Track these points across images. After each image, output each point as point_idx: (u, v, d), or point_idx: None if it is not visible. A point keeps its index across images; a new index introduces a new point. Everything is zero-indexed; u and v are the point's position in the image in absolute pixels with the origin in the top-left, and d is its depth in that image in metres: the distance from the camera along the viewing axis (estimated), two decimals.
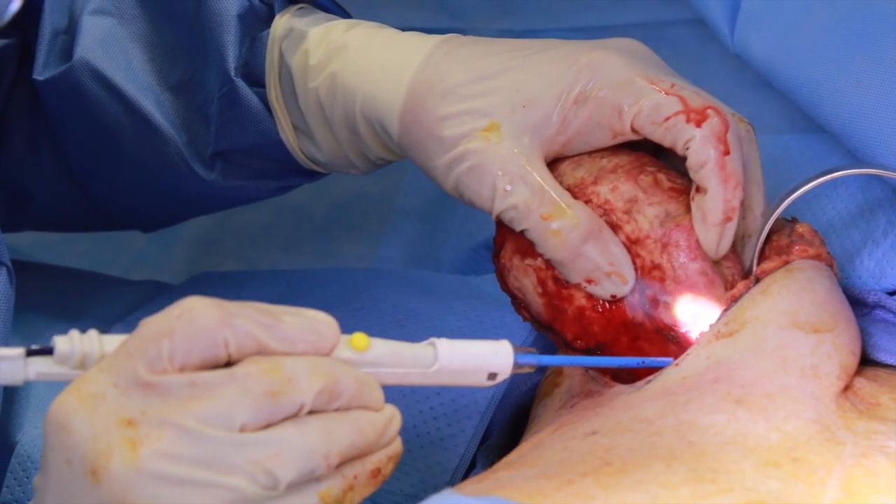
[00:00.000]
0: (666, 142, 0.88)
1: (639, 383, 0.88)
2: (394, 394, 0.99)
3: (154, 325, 0.71)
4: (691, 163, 0.87)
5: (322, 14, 1.03)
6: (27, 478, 1.00)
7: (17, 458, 1.01)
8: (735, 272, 0.89)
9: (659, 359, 0.87)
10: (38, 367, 0.73)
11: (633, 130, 0.89)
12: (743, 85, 1.18)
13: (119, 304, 1.19)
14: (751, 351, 0.84)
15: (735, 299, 0.87)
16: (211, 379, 0.70)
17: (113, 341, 0.73)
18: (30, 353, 0.72)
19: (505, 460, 0.86)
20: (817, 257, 0.90)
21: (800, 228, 0.91)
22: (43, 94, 1.08)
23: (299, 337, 0.73)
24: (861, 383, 0.86)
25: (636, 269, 0.89)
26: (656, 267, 0.88)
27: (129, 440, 0.69)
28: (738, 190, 0.87)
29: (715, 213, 0.86)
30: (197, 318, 0.71)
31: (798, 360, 0.84)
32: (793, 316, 0.85)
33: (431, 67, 0.93)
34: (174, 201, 1.16)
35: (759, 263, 0.89)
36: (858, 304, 0.94)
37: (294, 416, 0.71)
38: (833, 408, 0.82)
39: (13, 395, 1.07)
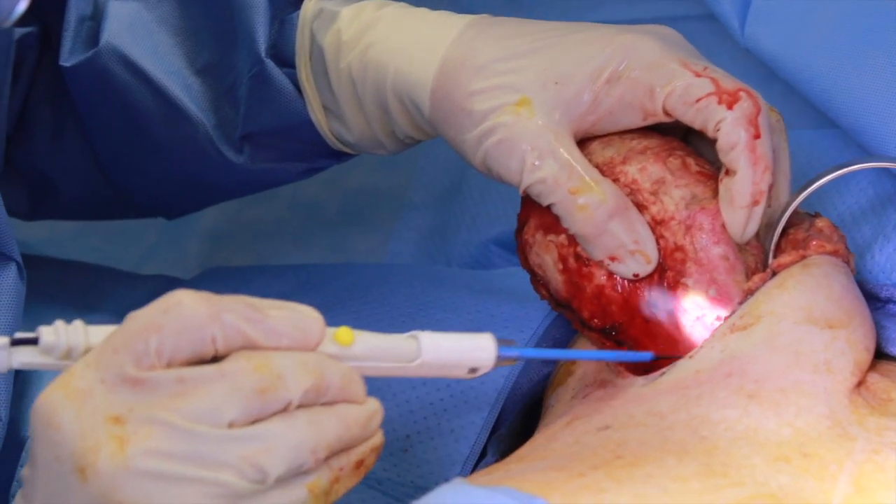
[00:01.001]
0: (697, 123, 0.88)
1: (652, 375, 0.88)
2: (403, 385, 1.00)
3: (141, 319, 0.71)
4: (721, 144, 0.87)
5: None
6: None
7: (27, 452, 1.01)
8: (759, 261, 0.89)
9: (639, 353, 0.88)
10: (23, 357, 0.72)
11: (665, 112, 0.89)
12: (754, 80, 1.17)
13: (130, 298, 1.19)
14: (765, 345, 0.84)
15: (751, 292, 0.87)
16: (199, 375, 0.70)
17: (99, 333, 0.73)
18: (14, 343, 0.72)
19: (517, 453, 0.86)
20: (834, 253, 0.89)
21: (819, 223, 0.91)
22: (70, 81, 1.08)
23: (286, 331, 0.73)
24: (874, 378, 0.86)
25: (659, 250, 0.89)
26: (679, 248, 0.88)
27: (116, 437, 0.69)
28: (767, 174, 0.87)
29: (743, 196, 0.86)
30: (185, 313, 0.71)
31: (812, 356, 0.84)
32: (808, 311, 0.85)
33: (464, 44, 0.94)
34: (200, 186, 1.16)
35: (775, 256, 0.89)
36: (871, 299, 0.94)
37: (282, 411, 0.72)
38: (845, 403, 0.82)
39: (24, 392, 1.07)
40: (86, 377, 0.70)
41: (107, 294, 1.21)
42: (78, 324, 0.73)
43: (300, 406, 0.72)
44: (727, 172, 0.87)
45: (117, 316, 1.13)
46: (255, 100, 1.04)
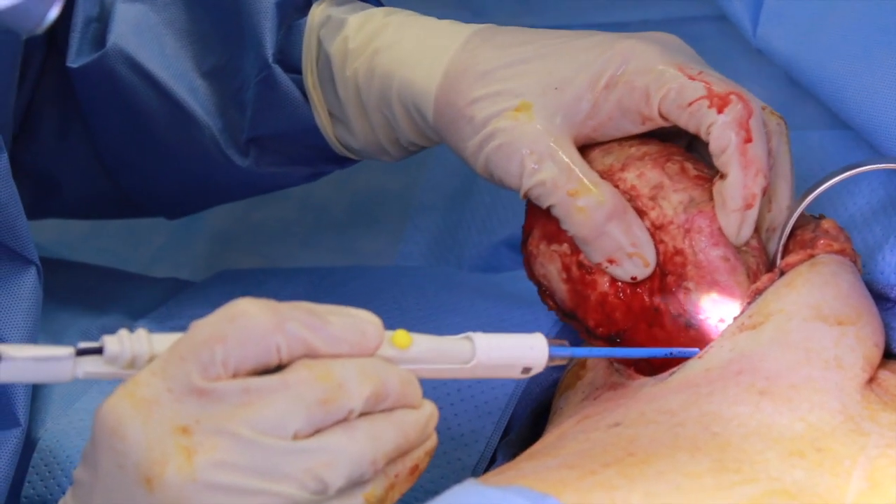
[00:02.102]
0: (690, 127, 0.88)
1: (662, 375, 0.88)
2: None
3: (207, 328, 0.71)
4: (713, 148, 0.87)
5: (358, 3, 1.04)
6: (49, 473, 1.00)
7: (39, 453, 1.02)
8: (760, 262, 0.89)
9: (686, 349, 0.87)
10: (87, 367, 0.72)
11: (661, 116, 0.89)
12: (766, 81, 1.18)
13: (141, 300, 1.19)
14: (775, 343, 0.84)
15: (759, 292, 0.87)
16: (264, 385, 0.70)
17: (163, 341, 0.73)
18: (79, 353, 0.72)
19: (528, 451, 0.86)
20: (841, 252, 0.90)
21: (825, 224, 0.91)
22: (76, 82, 1.08)
23: (346, 338, 0.73)
24: (885, 376, 0.86)
25: (659, 255, 0.89)
26: (679, 252, 0.88)
27: (183, 449, 0.69)
28: (759, 177, 0.87)
29: (734, 199, 0.86)
30: (250, 323, 0.71)
31: (822, 352, 0.84)
32: (817, 309, 0.85)
33: (469, 52, 0.94)
34: (205, 188, 1.16)
35: (783, 257, 0.89)
36: (881, 300, 0.94)
37: (343, 420, 0.72)
38: (858, 399, 0.82)
39: (36, 391, 1.07)
40: (152, 386, 0.70)
41: (117, 296, 1.21)
42: (141, 332, 0.73)
43: (361, 414, 0.72)
44: (720, 176, 0.88)
45: (129, 317, 1.14)
46: (262, 104, 1.04)
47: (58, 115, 1.14)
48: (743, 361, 0.84)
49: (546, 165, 0.89)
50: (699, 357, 0.86)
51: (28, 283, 0.97)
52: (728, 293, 0.88)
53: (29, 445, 1.02)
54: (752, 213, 0.87)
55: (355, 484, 0.72)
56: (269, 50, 1.03)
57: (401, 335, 0.77)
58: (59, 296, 1.15)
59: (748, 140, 0.87)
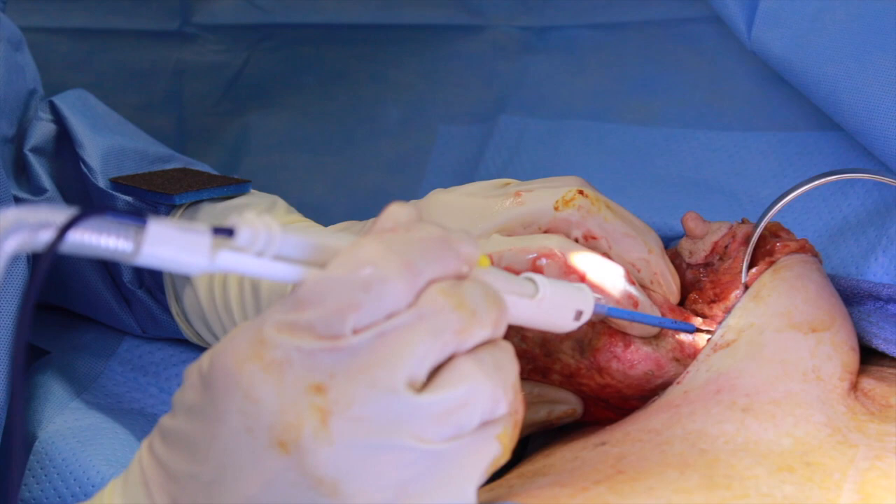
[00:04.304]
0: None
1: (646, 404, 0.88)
2: None
3: (339, 292, 0.66)
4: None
5: (206, 214, 1.06)
6: (45, 476, 1.00)
7: (35, 455, 1.01)
8: (700, 304, 0.89)
9: (686, 323, 0.88)
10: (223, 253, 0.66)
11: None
12: (760, 82, 1.18)
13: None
14: (750, 358, 0.84)
15: (728, 311, 0.87)
16: (399, 324, 0.66)
17: (293, 243, 0.67)
18: (215, 232, 0.66)
19: (517, 470, 0.86)
20: (801, 250, 0.89)
21: (772, 227, 0.91)
22: None
23: (470, 255, 0.69)
24: (871, 384, 0.86)
25: (587, 392, 0.90)
26: (607, 385, 0.89)
27: (318, 410, 0.66)
28: (619, 281, 0.86)
29: (621, 307, 0.86)
30: (386, 292, 0.66)
31: (799, 364, 0.84)
32: (788, 317, 0.85)
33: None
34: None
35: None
36: (871, 298, 0.94)
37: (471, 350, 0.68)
38: (842, 410, 0.82)
39: (33, 394, 1.07)
40: (281, 346, 0.66)
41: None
42: (270, 222, 0.67)
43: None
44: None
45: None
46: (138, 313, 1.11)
47: None
48: (720, 380, 0.84)
49: None
50: (678, 383, 0.86)
51: (18, 270, 0.97)
52: (674, 378, 0.88)
53: (26, 448, 1.02)
54: (644, 306, 0.87)
55: (487, 423, 0.68)
56: (126, 276, 1.07)
57: (483, 258, 0.73)
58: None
59: (582, 278, 0.86)
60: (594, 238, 0.88)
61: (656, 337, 0.88)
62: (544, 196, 0.89)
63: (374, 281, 0.66)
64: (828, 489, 0.76)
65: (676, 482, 0.76)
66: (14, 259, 0.74)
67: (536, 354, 0.90)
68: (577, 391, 0.90)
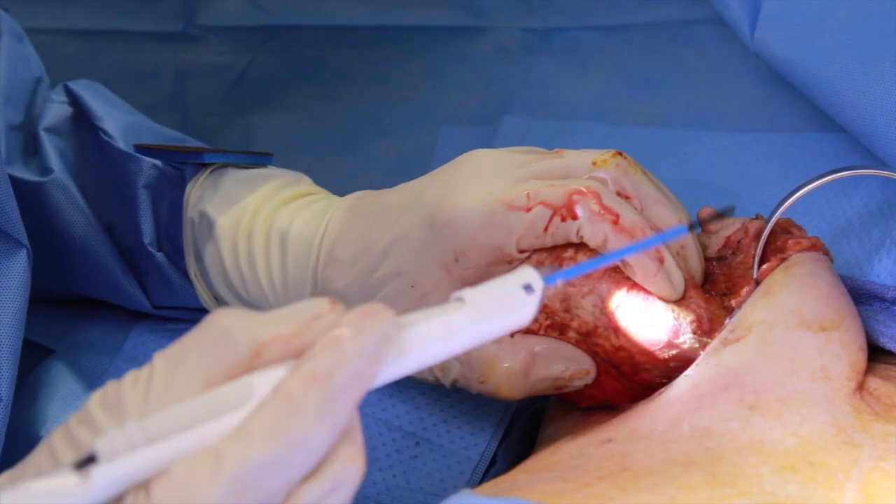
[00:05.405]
0: (560, 241, 0.89)
1: (653, 396, 0.88)
2: (414, 391, 1.00)
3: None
4: (593, 245, 0.87)
5: (233, 175, 1.05)
6: None
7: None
8: (700, 306, 0.88)
9: (678, 227, 0.85)
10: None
11: (524, 251, 0.89)
12: (763, 84, 1.18)
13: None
14: (759, 355, 0.84)
15: (739, 305, 0.87)
16: None
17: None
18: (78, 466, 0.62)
19: (522, 466, 0.87)
20: (813, 248, 0.89)
21: (784, 223, 0.91)
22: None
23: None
24: (876, 384, 0.86)
25: (601, 354, 0.90)
26: (619, 348, 0.89)
27: None
28: (648, 232, 0.87)
29: (648, 268, 0.87)
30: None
31: (807, 363, 0.84)
32: (798, 315, 0.85)
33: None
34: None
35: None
36: (876, 299, 0.94)
37: None
38: (848, 410, 0.82)
39: (37, 392, 1.07)
40: None
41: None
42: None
43: None
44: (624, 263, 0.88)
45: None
46: (153, 280, 1.08)
47: None
48: (729, 376, 0.84)
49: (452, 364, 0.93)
50: (685, 375, 0.86)
51: (18, 267, 0.97)
52: (687, 354, 0.87)
53: (30, 446, 1.02)
54: (669, 262, 0.87)
55: None
56: (147, 239, 1.05)
57: None
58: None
59: (616, 220, 0.86)
60: (627, 198, 0.89)
61: (678, 302, 0.88)
62: (583, 153, 0.91)
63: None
64: (831, 489, 0.76)
65: (680, 479, 0.76)
66: None
67: (556, 309, 0.90)
68: (591, 352, 0.90)
